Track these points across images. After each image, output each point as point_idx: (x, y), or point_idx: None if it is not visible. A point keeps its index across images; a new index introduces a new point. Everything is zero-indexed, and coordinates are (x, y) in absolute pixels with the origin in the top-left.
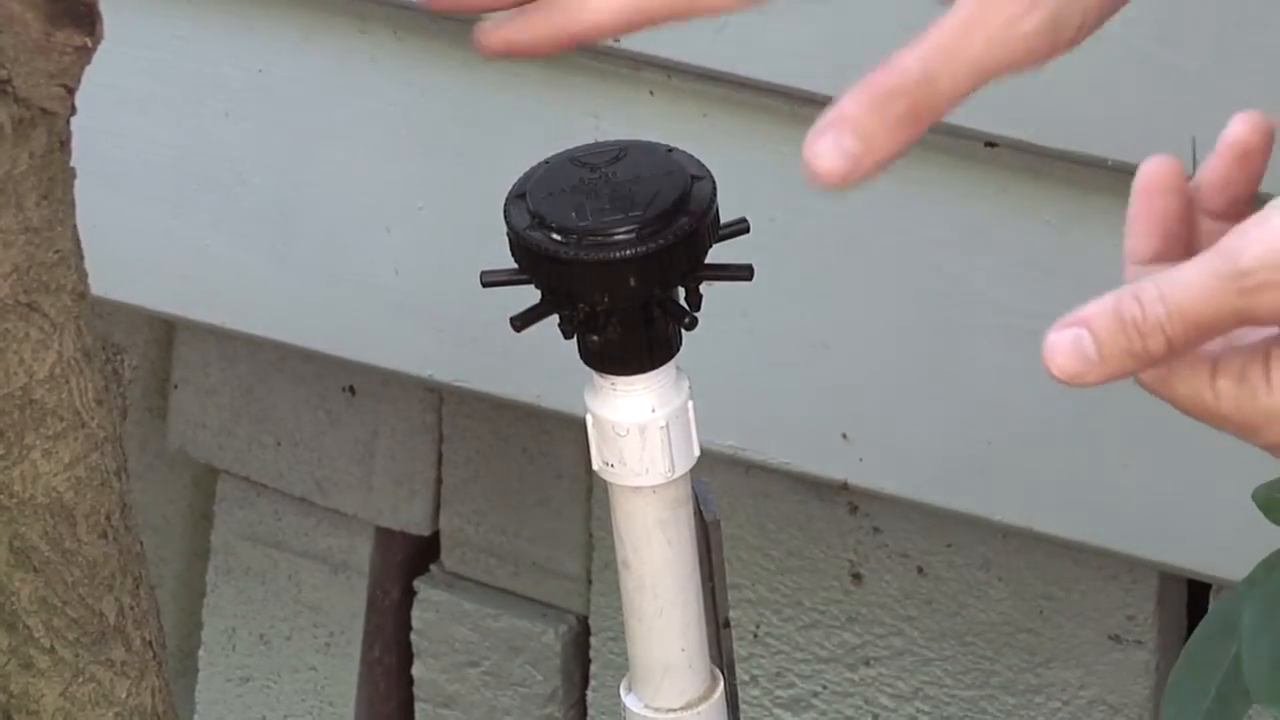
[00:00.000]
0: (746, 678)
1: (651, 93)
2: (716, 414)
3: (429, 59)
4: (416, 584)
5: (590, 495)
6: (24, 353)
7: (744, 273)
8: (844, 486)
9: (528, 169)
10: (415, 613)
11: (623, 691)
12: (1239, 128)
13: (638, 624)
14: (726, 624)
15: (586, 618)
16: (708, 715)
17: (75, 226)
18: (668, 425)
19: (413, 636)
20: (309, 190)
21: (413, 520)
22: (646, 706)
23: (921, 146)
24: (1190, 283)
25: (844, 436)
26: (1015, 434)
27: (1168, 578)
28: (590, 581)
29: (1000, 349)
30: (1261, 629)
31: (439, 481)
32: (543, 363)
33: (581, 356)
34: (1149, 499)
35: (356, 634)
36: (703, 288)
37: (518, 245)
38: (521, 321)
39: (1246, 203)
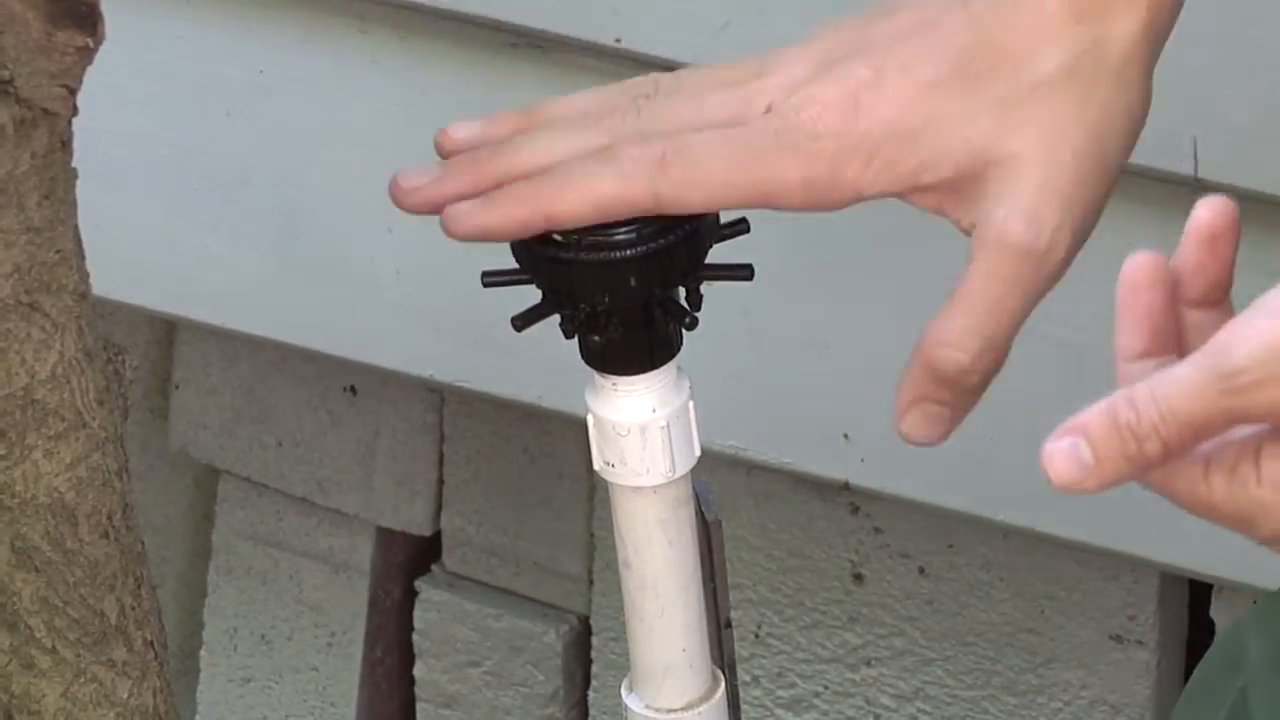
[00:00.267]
0: (748, 678)
1: None
2: (717, 414)
3: (430, 59)
4: (418, 584)
5: (591, 495)
6: (25, 353)
7: (744, 273)
8: (845, 487)
9: None
10: (417, 613)
11: (624, 692)
12: (1203, 213)
13: (639, 624)
14: (728, 624)
15: (588, 618)
16: (709, 715)
17: (77, 226)
18: (669, 425)
19: (414, 637)
20: (310, 190)
21: (414, 520)
22: (648, 707)
23: None
24: (1183, 384)
25: (845, 437)
26: (1016, 434)
27: (1169, 578)
28: (591, 582)
29: None
30: (1271, 664)
31: (440, 481)
32: (544, 363)
33: (582, 356)
34: (1150, 499)
35: (358, 634)
36: (703, 288)
37: (518, 245)
38: (522, 321)
39: (1224, 289)
